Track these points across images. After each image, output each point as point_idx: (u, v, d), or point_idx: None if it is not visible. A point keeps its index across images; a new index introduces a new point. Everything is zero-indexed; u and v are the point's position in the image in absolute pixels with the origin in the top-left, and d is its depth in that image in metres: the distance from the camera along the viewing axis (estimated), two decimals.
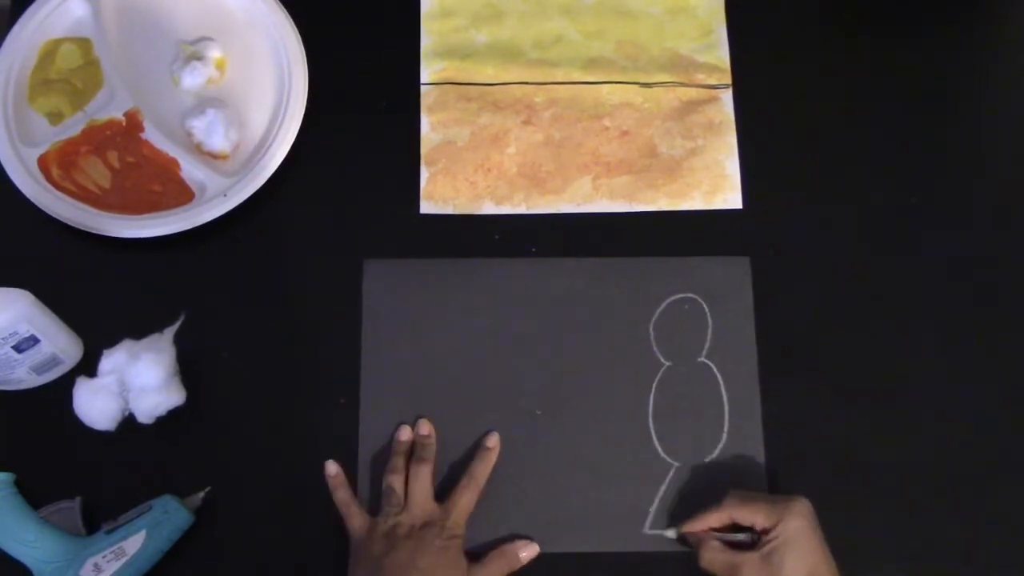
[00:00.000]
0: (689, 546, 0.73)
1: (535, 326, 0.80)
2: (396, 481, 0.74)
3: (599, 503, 0.76)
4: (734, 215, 0.84)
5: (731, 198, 0.84)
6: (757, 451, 0.77)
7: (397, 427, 0.77)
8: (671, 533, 0.75)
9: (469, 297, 0.81)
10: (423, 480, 0.74)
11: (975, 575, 0.76)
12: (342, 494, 0.75)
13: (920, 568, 0.76)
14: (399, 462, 0.76)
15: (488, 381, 0.79)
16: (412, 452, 0.77)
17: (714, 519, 0.72)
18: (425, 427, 0.77)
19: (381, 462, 0.76)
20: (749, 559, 0.69)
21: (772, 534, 0.69)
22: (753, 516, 0.70)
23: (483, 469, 0.75)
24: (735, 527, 0.72)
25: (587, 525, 0.76)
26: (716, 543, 0.71)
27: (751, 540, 0.71)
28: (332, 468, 0.76)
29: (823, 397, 0.79)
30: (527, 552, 0.74)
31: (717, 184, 0.85)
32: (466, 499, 0.74)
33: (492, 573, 0.73)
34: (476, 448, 0.77)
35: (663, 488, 0.76)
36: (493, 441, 0.77)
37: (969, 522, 0.77)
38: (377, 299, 0.80)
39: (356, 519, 0.73)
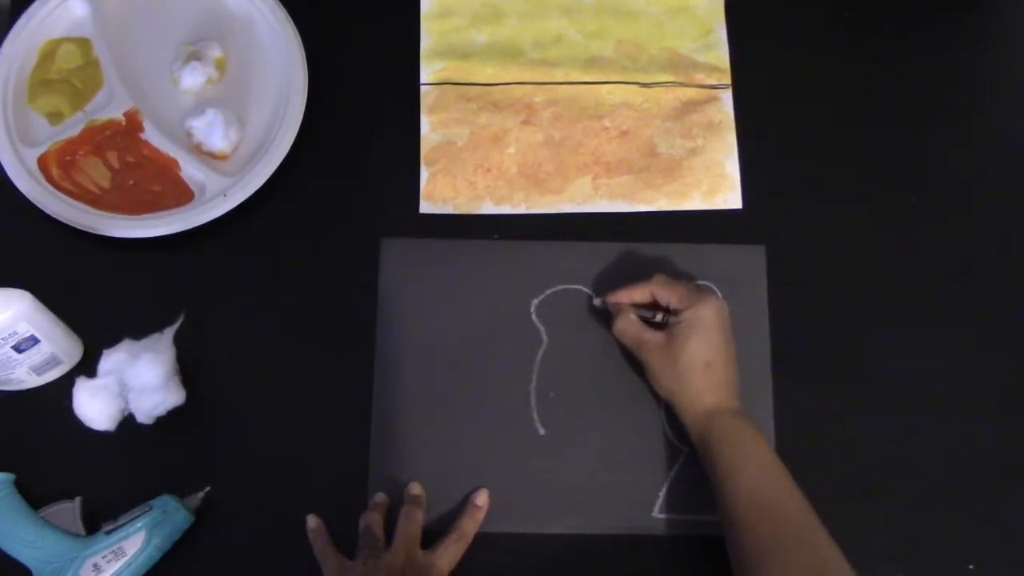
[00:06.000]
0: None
1: (550, 309, 0.80)
2: (376, 522, 0.73)
3: (609, 486, 0.76)
4: (734, 215, 0.84)
5: (730, 198, 0.84)
6: (768, 438, 0.77)
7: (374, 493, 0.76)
8: (597, 301, 0.79)
9: (484, 278, 0.81)
10: (415, 524, 0.73)
11: (975, 575, 0.76)
12: (321, 543, 0.73)
13: (920, 568, 0.76)
14: (380, 505, 0.74)
15: (503, 362, 0.79)
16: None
17: (638, 293, 0.77)
18: (416, 487, 0.76)
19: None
20: (655, 336, 0.74)
21: (681, 316, 0.73)
22: (671, 296, 0.75)
23: (472, 526, 0.74)
24: (655, 307, 0.76)
25: (597, 507, 0.76)
26: (632, 315, 0.76)
27: (664, 323, 0.75)
28: (312, 522, 0.74)
29: (824, 394, 0.79)
30: (481, 500, 0.75)
31: (717, 184, 0.85)
32: (452, 553, 0.72)
33: (453, 553, 0.72)
34: (465, 504, 0.75)
35: (673, 473, 0.77)
36: (482, 499, 0.75)
37: (969, 522, 0.77)
38: (393, 277, 0.81)
39: (331, 560, 0.72)
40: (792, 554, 0.65)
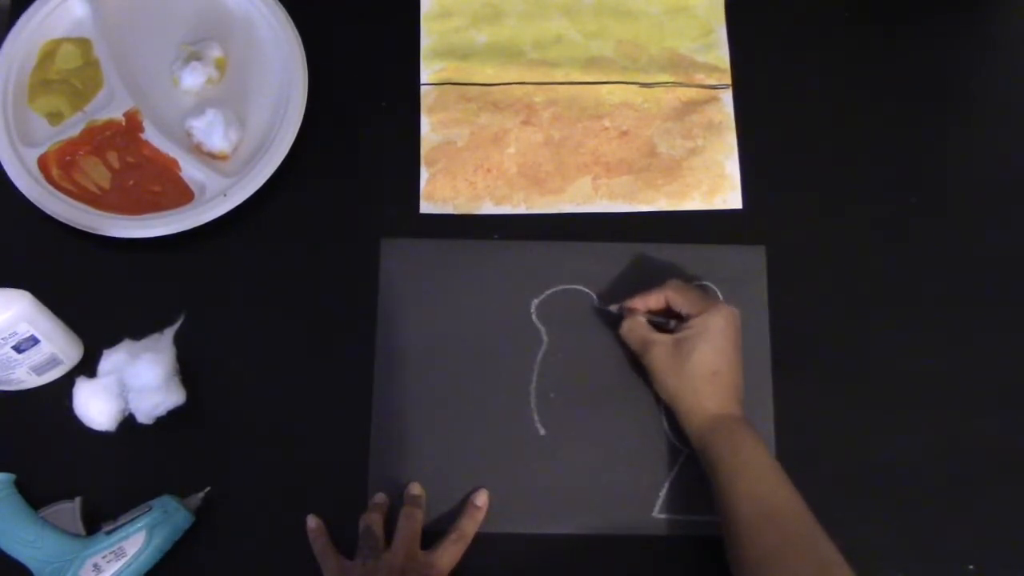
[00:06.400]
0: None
1: (550, 309, 0.80)
2: (376, 522, 0.73)
3: (609, 486, 0.77)
4: (733, 215, 0.84)
5: (730, 198, 0.84)
6: (768, 438, 0.77)
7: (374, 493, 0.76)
8: (614, 308, 0.78)
9: (484, 278, 0.81)
10: (415, 524, 0.73)
11: (975, 575, 0.76)
12: (321, 543, 0.73)
13: (920, 568, 0.76)
14: (380, 505, 0.75)
15: (503, 362, 0.79)
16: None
17: (653, 299, 0.76)
18: (416, 488, 0.76)
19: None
20: (662, 339, 0.74)
21: (692, 322, 0.73)
22: (683, 302, 0.75)
23: (471, 526, 0.74)
24: (668, 314, 0.76)
25: (597, 507, 0.76)
26: (641, 317, 0.76)
27: (673, 328, 0.75)
28: (312, 522, 0.74)
29: (823, 395, 0.79)
30: (480, 500, 0.75)
31: (716, 184, 0.85)
32: (452, 553, 0.72)
33: (453, 553, 0.72)
34: (465, 504, 0.75)
35: (673, 473, 0.77)
36: (482, 499, 0.75)
37: (969, 522, 0.77)
38: (393, 278, 0.81)
39: (331, 560, 0.72)
40: (792, 558, 0.65)
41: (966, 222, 0.84)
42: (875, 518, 0.76)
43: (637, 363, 0.77)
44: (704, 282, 0.81)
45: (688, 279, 0.80)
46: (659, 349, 0.73)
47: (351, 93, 0.86)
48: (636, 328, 0.75)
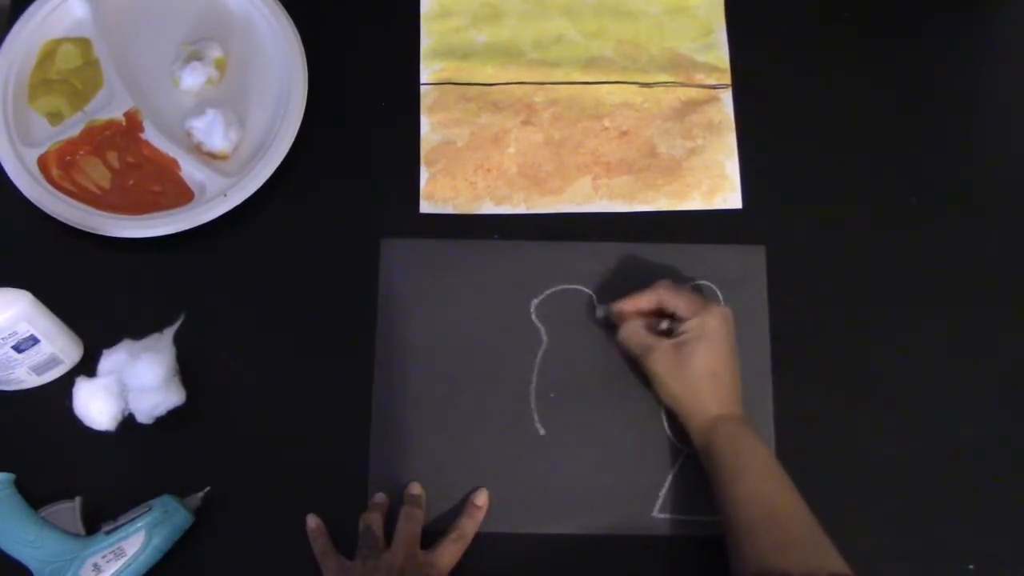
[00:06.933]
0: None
1: (550, 309, 0.80)
2: (375, 522, 0.73)
3: (609, 486, 0.77)
4: (733, 215, 0.84)
5: (730, 198, 0.84)
6: (768, 438, 0.77)
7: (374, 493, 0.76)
8: (600, 312, 0.78)
9: (484, 278, 0.81)
10: (415, 524, 0.73)
11: (975, 575, 0.76)
12: (321, 543, 0.73)
13: (920, 568, 0.76)
14: (380, 505, 0.75)
15: (503, 362, 0.79)
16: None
17: (644, 301, 0.76)
18: (416, 488, 0.76)
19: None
20: (662, 344, 0.74)
21: (688, 325, 0.73)
22: (677, 302, 0.74)
23: (471, 526, 0.74)
24: (660, 314, 0.76)
25: (597, 507, 0.76)
26: (638, 322, 0.76)
27: (669, 330, 0.75)
28: (312, 522, 0.74)
29: (823, 395, 0.79)
30: (480, 500, 0.75)
31: (716, 184, 0.85)
32: (452, 552, 0.72)
33: (453, 553, 0.72)
34: (465, 504, 0.75)
35: (673, 473, 0.77)
36: (482, 499, 0.75)
37: (969, 522, 0.77)
38: (393, 278, 0.81)
39: (331, 560, 0.72)
40: (793, 558, 0.65)
41: (966, 222, 0.84)
42: (875, 518, 0.76)
43: (636, 366, 0.77)
44: (704, 282, 0.81)
45: (687, 279, 0.80)
46: (659, 354, 0.73)
47: (351, 93, 0.86)
48: (635, 334, 0.75)
